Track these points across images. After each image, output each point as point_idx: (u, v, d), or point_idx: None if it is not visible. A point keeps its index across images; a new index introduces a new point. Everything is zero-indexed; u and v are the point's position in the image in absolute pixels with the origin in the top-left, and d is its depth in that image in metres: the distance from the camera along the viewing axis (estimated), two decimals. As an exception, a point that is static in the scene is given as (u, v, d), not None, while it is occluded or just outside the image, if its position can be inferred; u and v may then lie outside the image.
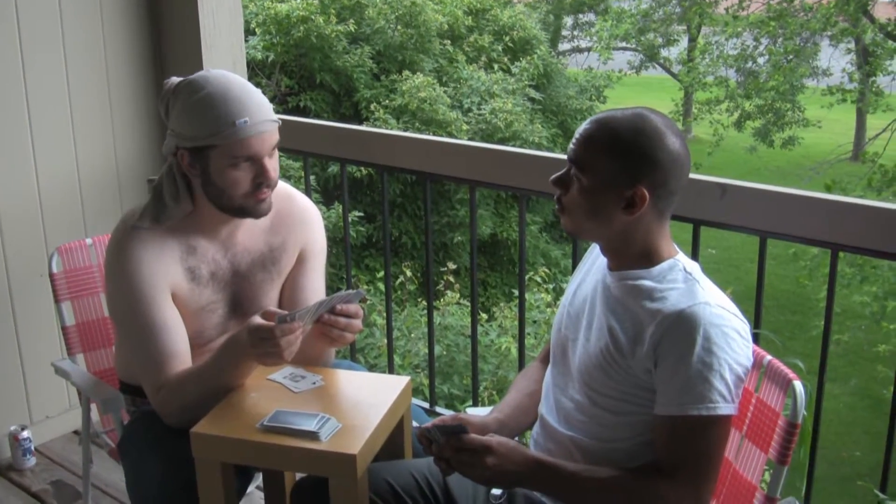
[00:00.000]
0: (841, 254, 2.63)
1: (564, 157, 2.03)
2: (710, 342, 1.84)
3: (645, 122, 1.93)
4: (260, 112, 2.24)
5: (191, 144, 2.24)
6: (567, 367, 2.11)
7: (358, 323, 2.25)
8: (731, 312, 1.91)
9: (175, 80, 2.31)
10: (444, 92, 11.94)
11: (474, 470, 1.90)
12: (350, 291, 2.23)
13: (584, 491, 1.91)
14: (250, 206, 2.30)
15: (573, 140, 1.99)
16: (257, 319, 2.09)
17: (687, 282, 1.94)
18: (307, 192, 3.18)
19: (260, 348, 2.08)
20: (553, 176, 2.01)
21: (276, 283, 2.50)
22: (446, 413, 3.49)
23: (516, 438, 2.20)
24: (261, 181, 2.27)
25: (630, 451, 1.97)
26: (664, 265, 1.97)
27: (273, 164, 2.30)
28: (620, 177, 1.92)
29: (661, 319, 1.88)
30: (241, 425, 2.05)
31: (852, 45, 17.44)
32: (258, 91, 2.29)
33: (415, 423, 2.07)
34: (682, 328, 1.86)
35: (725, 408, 1.85)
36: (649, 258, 1.98)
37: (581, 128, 1.98)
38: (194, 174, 2.29)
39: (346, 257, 3.62)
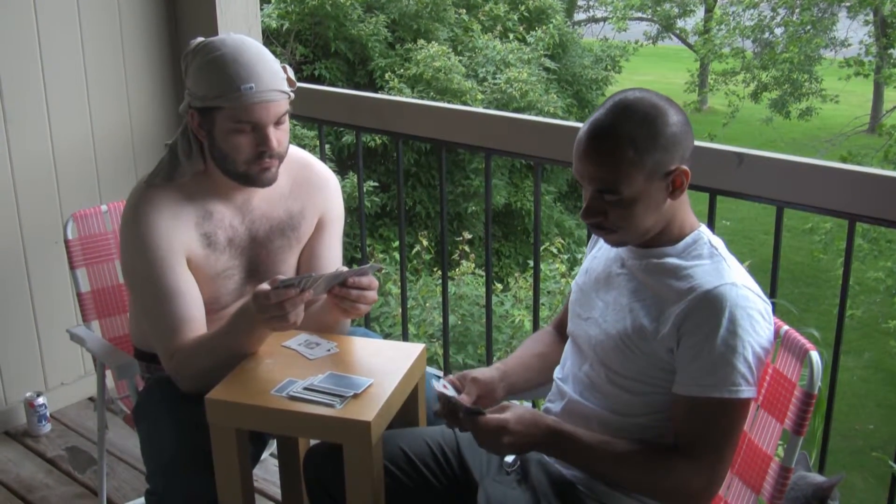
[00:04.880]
0: (857, 227, 2.60)
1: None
2: (735, 324, 1.81)
3: (640, 106, 1.85)
4: (268, 80, 2.22)
5: (199, 104, 2.24)
6: (579, 345, 2.10)
7: (372, 294, 2.23)
8: (756, 293, 1.88)
9: (199, 40, 2.30)
10: (459, 61, 11.90)
11: (492, 448, 1.90)
12: (364, 266, 2.22)
13: (599, 461, 1.91)
14: (253, 173, 2.29)
15: (581, 161, 1.88)
16: (263, 286, 2.09)
17: (712, 258, 1.91)
18: (322, 161, 3.17)
19: (265, 314, 2.08)
20: (582, 211, 1.92)
21: (294, 250, 2.49)
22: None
23: (529, 403, 2.19)
24: (263, 150, 2.25)
25: (647, 425, 1.96)
26: (688, 239, 1.94)
27: (279, 134, 2.28)
28: (656, 172, 1.85)
29: (687, 298, 1.85)
30: (255, 391, 2.05)
31: (870, 17, 17.28)
32: (273, 60, 2.27)
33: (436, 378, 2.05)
34: (708, 308, 1.83)
35: (747, 391, 1.83)
36: (673, 232, 1.95)
37: (584, 146, 1.88)
38: (202, 135, 2.29)
39: (360, 227, 3.61)
